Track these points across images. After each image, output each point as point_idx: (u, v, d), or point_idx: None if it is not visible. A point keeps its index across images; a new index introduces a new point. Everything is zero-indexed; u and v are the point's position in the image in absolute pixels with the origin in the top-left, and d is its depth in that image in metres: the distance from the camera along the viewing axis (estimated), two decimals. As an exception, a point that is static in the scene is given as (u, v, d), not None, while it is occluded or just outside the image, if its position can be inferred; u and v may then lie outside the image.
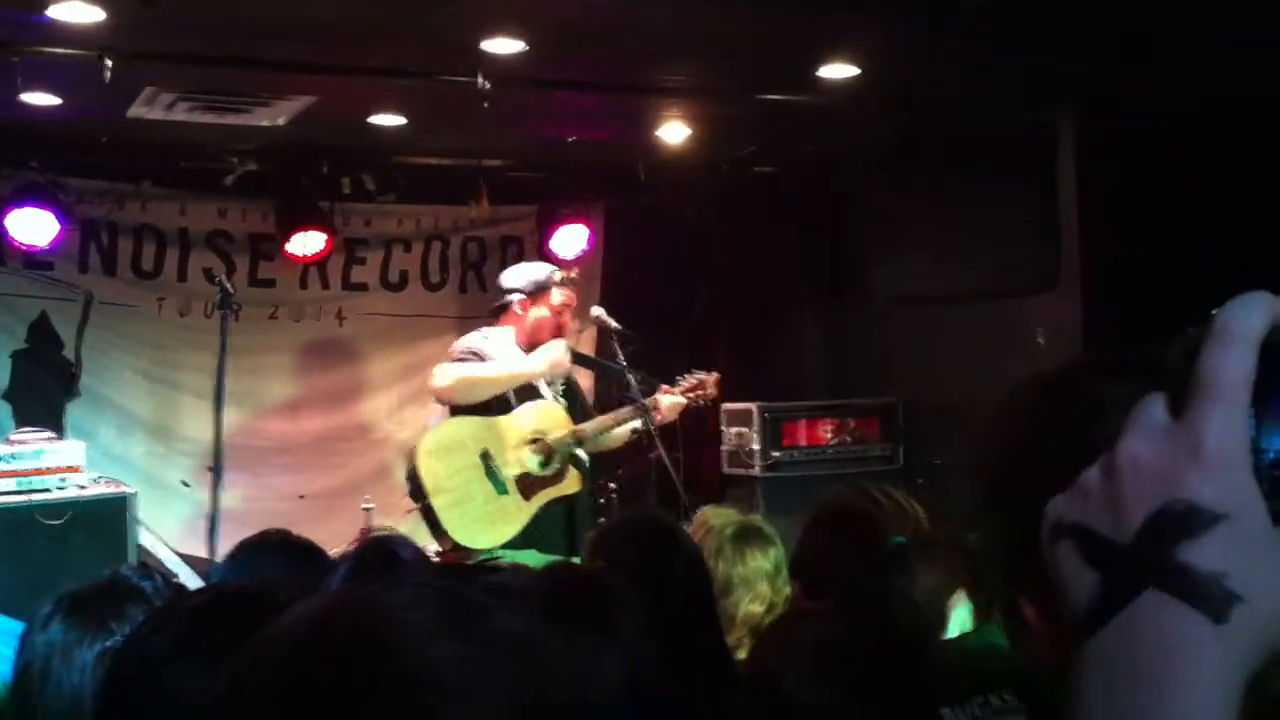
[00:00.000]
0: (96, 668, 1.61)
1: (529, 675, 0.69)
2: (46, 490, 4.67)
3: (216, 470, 4.74)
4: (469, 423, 4.60)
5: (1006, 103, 4.96)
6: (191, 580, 4.65)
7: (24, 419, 5.41)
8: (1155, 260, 4.37)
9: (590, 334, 5.99)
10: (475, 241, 6.58)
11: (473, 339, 4.79)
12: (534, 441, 4.64)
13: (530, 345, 4.77)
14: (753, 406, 5.83)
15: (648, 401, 4.71)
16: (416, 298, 6.48)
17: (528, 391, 4.72)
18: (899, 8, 4.00)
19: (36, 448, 4.75)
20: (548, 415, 4.69)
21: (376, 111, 5.15)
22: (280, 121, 5.17)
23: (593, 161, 6.19)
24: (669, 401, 4.77)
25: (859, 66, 4.60)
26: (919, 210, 5.73)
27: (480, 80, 4.50)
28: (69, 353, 5.77)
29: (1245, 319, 0.61)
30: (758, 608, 2.79)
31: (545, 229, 6.32)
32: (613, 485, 5.22)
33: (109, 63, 4.11)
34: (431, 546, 4.46)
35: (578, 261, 5.88)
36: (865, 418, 6.04)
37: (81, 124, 5.16)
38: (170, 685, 1.11)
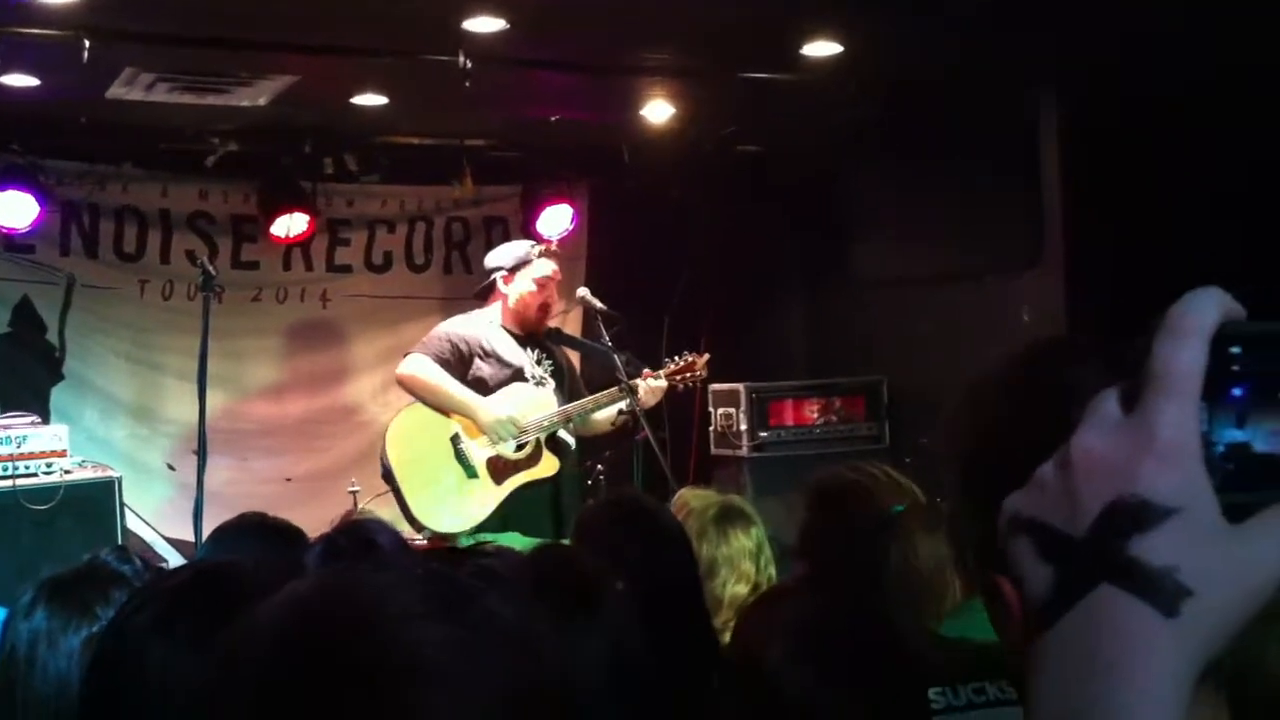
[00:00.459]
0: (83, 653, 1.61)
1: (516, 659, 0.69)
2: (32, 475, 4.65)
3: (200, 453, 4.72)
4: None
5: (990, 81, 4.96)
6: (178, 564, 4.65)
7: (8, 403, 5.37)
8: (1139, 238, 4.39)
9: (576, 315, 5.99)
10: (459, 222, 6.55)
11: (455, 324, 4.76)
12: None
13: (517, 321, 4.75)
14: (740, 387, 5.84)
15: (630, 385, 4.68)
16: (401, 279, 6.46)
17: (511, 375, 4.71)
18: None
19: (21, 432, 4.73)
20: (524, 399, 4.67)
21: (358, 91, 5.12)
22: (261, 102, 5.13)
23: (576, 141, 6.17)
24: (651, 385, 4.73)
25: (842, 44, 4.59)
26: (902, 190, 5.73)
27: (462, 59, 4.47)
28: (52, 336, 5.74)
29: (1196, 314, 0.61)
30: (743, 588, 2.80)
31: (529, 209, 6.30)
32: (600, 467, 5.23)
33: (87, 43, 4.07)
34: (418, 532, 4.47)
35: (562, 242, 5.86)
36: (851, 397, 6.05)
37: (61, 105, 5.11)
38: (153, 666, 1.11)
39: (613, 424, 4.89)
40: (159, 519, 5.61)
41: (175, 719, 0.71)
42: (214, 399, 5.38)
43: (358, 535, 2.07)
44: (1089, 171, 4.72)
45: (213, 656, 0.70)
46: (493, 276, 4.81)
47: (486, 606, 0.71)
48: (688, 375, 4.91)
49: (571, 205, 6.30)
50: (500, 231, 6.47)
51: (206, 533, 4.48)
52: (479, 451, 4.58)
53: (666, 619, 1.90)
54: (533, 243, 4.97)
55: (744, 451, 5.84)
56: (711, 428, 6.03)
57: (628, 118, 5.49)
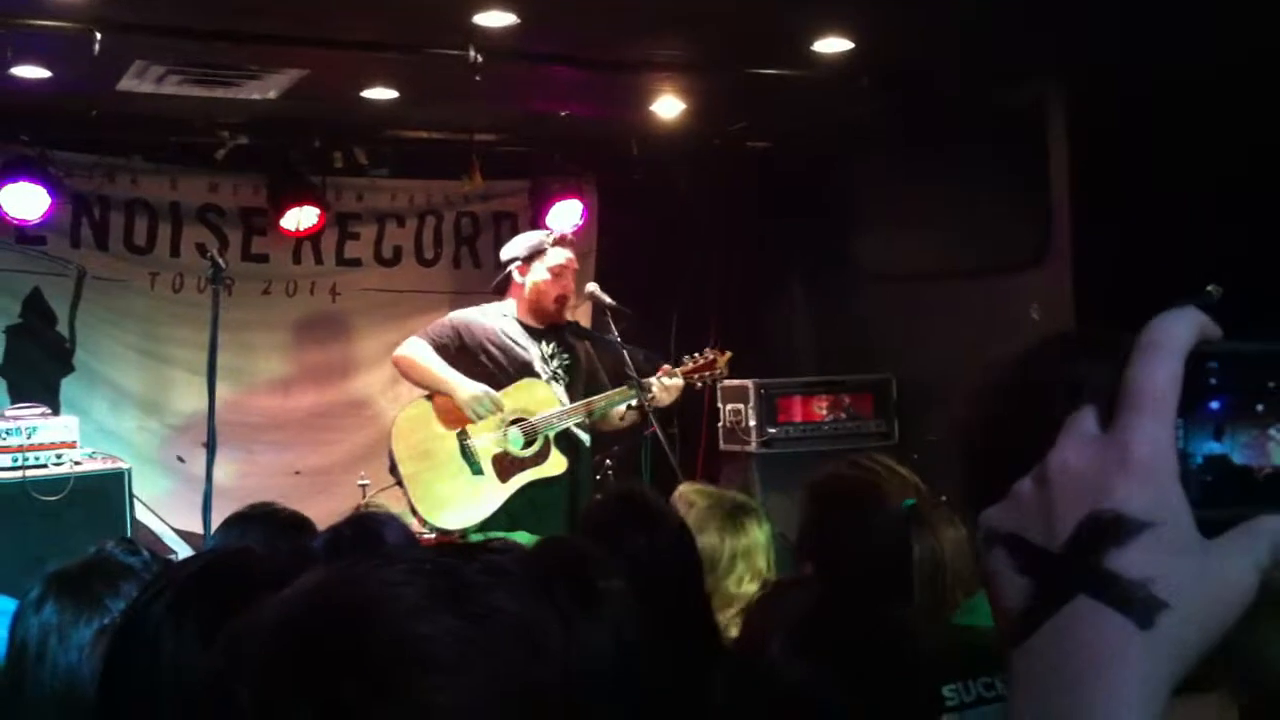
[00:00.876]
0: (94, 646, 1.62)
1: (520, 653, 0.69)
2: (42, 466, 4.66)
3: (209, 446, 4.73)
4: (448, 400, 4.58)
5: (998, 77, 4.94)
6: (187, 555, 4.66)
7: (19, 395, 5.40)
8: (1147, 233, 4.37)
9: (585, 310, 5.98)
10: (469, 216, 6.56)
11: (466, 313, 4.73)
12: (517, 421, 4.57)
13: (534, 312, 4.69)
14: (749, 383, 5.83)
15: (643, 383, 4.61)
16: (410, 273, 6.46)
17: (521, 368, 4.67)
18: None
19: (31, 423, 4.74)
20: (534, 394, 4.61)
21: (368, 85, 5.13)
22: (271, 95, 5.14)
23: (586, 136, 6.16)
24: (667, 383, 4.63)
25: (852, 40, 4.58)
26: (911, 185, 5.72)
27: (471, 53, 4.47)
28: (63, 328, 5.76)
29: (1171, 332, 0.62)
30: (755, 588, 2.79)
31: (539, 204, 6.30)
32: (609, 462, 5.21)
33: (98, 35, 4.08)
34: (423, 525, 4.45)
35: (572, 236, 5.85)
36: (860, 394, 6.04)
37: (71, 97, 5.12)
38: (167, 656, 1.11)
39: (621, 419, 4.85)
40: (168, 511, 5.63)
41: (186, 709, 0.71)
42: (223, 392, 5.39)
43: (364, 528, 2.07)
44: (1097, 166, 4.70)
45: (219, 647, 0.70)
46: (509, 268, 4.75)
47: (493, 601, 0.71)
48: (707, 374, 4.82)
49: (581, 200, 6.30)
50: (509, 226, 6.47)
51: (215, 525, 4.50)
52: (485, 448, 4.53)
53: (669, 612, 1.90)
54: (547, 232, 4.93)
55: (752, 447, 5.83)
56: (720, 423, 6.02)
57: (637, 113, 5.49)
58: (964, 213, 5.45)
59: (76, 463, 4.74)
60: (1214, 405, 0.62)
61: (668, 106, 5.39)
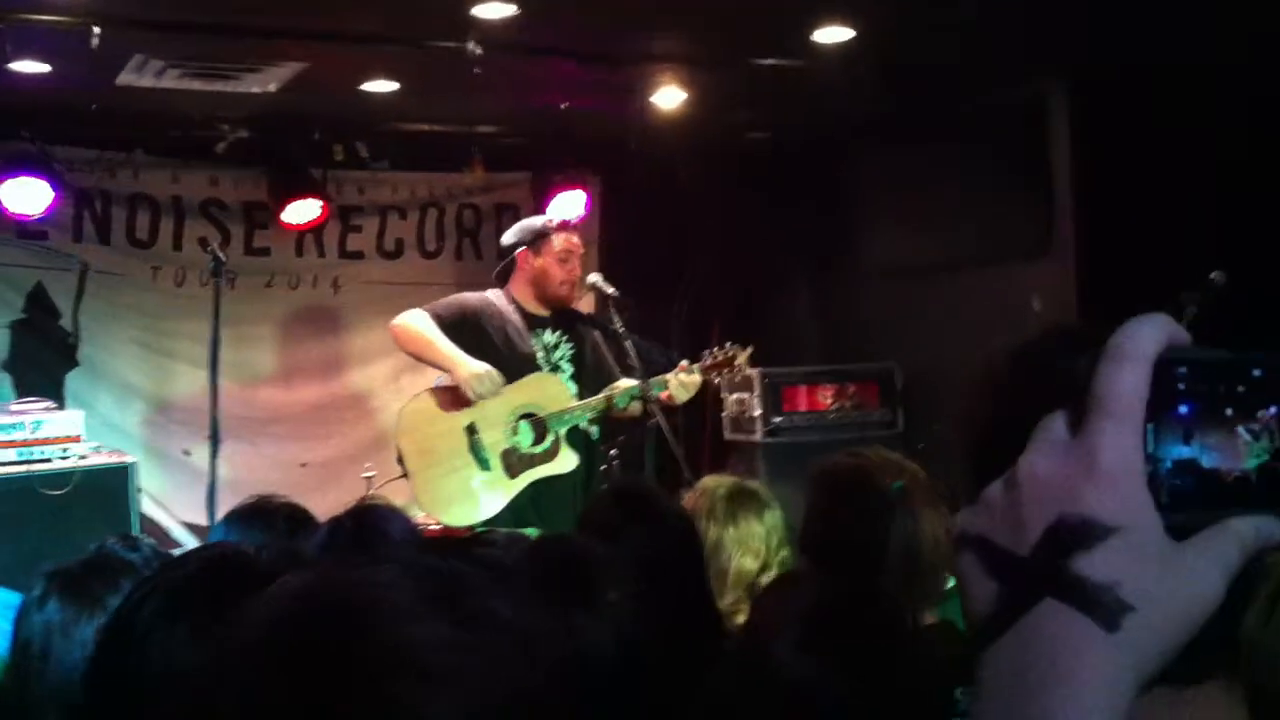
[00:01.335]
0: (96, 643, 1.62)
1: (513, 657, 0.69)
2: (47, 461, 4.67)
3: (213, 439, 4.73)
4: (454, 391, 4.44)
5: (1000, 67, 4.92)
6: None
7: (24, 389, 5.41)
8: (1150, 225, 4.35)
9: (588, 301, 5.97)
10: (471, 209, 6.55)
11: (471, 295, 4.61)
12: (527, 416, 4.47)
13: (540, 298, 4.58)
14: (754, 373, 5.81)
15: (662, 379, 4.49)
16: (413, 266, 6.46)
17: (525, 357, 4.58)
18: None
19: (36, 418, 4.74)
20: (545, 389, 4.51)
21: (368, 78, 5.11)
22: (271, 88, 5.13)
23: (587, 128, 6.15)
24: (685, 380, 4.49)
25: (854, 29, 4.56)
26: (913, 177, 5.70)
27: (471, 45, 4.45)
28: (66, 322, 5.77)
29: (1140, 339, 0.63)
30: (750, 563, 2.79)
31: (540, 195, 6.28)
32: (614, 453, 5.13)
33: (96, 30, 4.07)
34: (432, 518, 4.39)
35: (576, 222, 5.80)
36: (865, 383, 6.03)
37: (71, 92, 5.12)
38: (157, 657, 1.11)
39: (626, 408, 4.75)
40: (174, 504, 5.64)
41: (175, 711, 0.71)
42: (227, 385, 5.39)
43: (365, 521, 2.07)
44: (1100, 157, 4.68)
45: (203, 654, 0.70)
46: (512, 255, 4.65)
47: (484, 603, 0.70)
48: (726, 370, 4.68)
49: (583, 191, 6.29)
50: (511, 217, 6.43)
51: (220, 517, 4.50)
52: (494, 443, 4.40)
53: (670, 604, 1.90)
54: (549, 217, 4.86)
55: (757, 437, 5.82)
56: (725, 413, 6.01)
57: (638, 104, 5.47)
58: (967, 203, 5.44)
59: (81, 457, 4.74)
60: (1183, 410, 0.63)
61: (668, 98, 5.37)
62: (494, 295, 4.64)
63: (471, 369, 4.36)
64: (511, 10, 4.22)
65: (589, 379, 4.65)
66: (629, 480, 3.98)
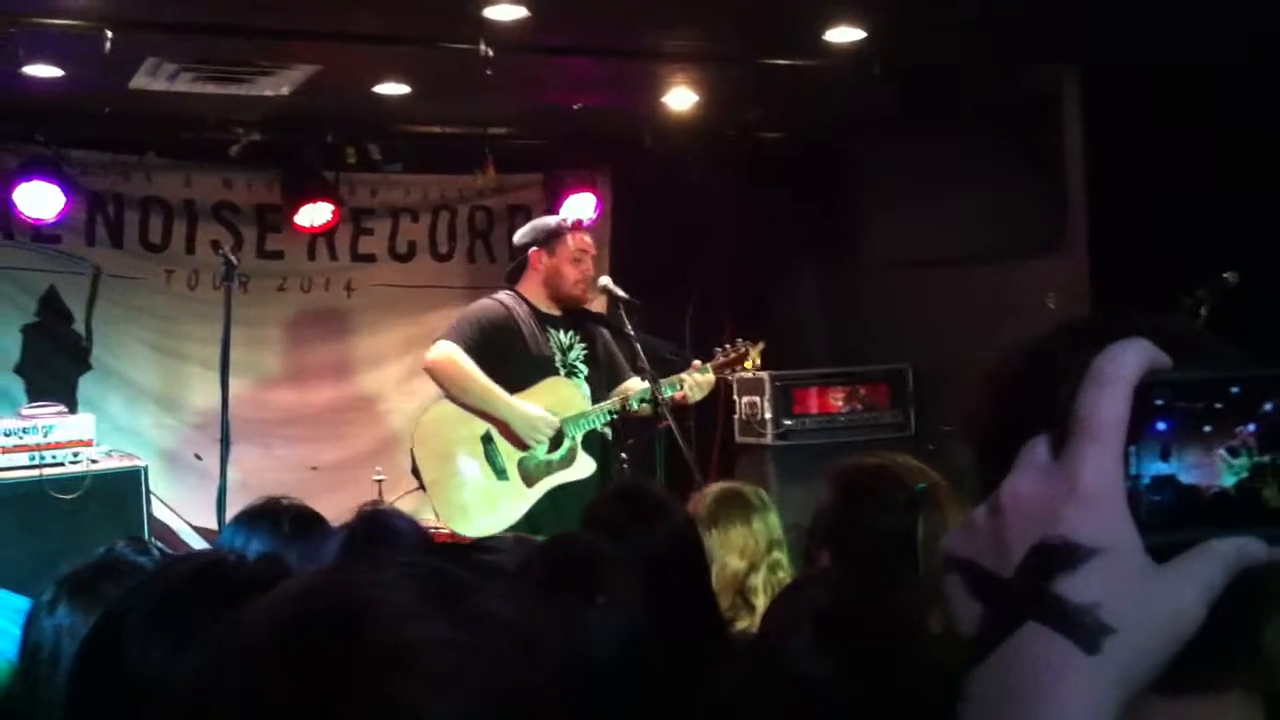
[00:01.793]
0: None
1: (513, 658, 0.68)
2: (59, 464, 4.68)
3: (223, 442, 4.73)
4: None
5: (1011, 63, 4.90)
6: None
7: (36, 393, 5.43)
8: (1163, 220, 4.32)
9: (599, 304, 5.96)
10: (483, 211, 6.55)
11: (486, 309, 4.48)
12: None
13: (552, 297, 4.53)
14: (764, 375, 5.79)
15: (677, 379, 4.47)
16: (425, 268, 6.46)
17: (542, 360, 4.50)
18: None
19: (48, 422, 4.76)
20: (559, 394, 4.44)
21: (380, 80, 5.12)
22: (284, 91, 5.14)
23: (599, 129, 6.15)
24: (698, 379, 4.47)
25: (865, 29, 4.54)
26: (925, 174, 5.68)
27: (483, 47, 4.45)
28: (79, 326, 5.78)
29: (1121, 364, 0.64)
30: (736, 561, 2.78)
31: (552, 197, 6.28)
32: (623, 455, 5.11)
33: (109, 34, 4.08)
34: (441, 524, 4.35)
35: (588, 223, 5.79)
36: (875, 384, 6.01)
37: (84, 96, 5.14)
38: (142, 665, 1.10)
39: (639, 409, 4.72)
40: (186, 507, 5.64)
41: (172, 712, 0.70)
42: (239, 388, 5.41)
43: (377, 524, 2.06)
44: (1112, 154, 4.66)
45: (201, 656, 0.69)
46: (525, 254, 4.60)
47: (485, 605, 0.69)
48: (739, 367, 4.66)
49: (595, 193, 6.29)
50: (523, 219, 6.41)
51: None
52: (510, 452, 4.34)
53: (672, 603, 1.89)
54: (562, 216, 4.83)
55: (768, 440, 5.81)
56: (735, 416, 6.00)
57: (649, 105, 5.46)
58: (979, 201, 5.42)
59: (93, 461, 4.75)
60: (1161, 426, 0.63)
61: (680, 98, 5.36)
62: (507, 297, 4.58)
63: (526, 417, 4.32)
64: (522, 12, 4.22)
65: (603, 378, 4.62)
66: (633, 480, 3.95)
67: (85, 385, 5.74)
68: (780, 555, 2.85)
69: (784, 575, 2.84)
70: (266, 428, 5.97)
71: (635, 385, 4.58)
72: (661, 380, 4.46)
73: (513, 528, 4.25)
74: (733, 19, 4.47)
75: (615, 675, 1.43)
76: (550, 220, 4.78)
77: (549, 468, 4.41)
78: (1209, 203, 4.27)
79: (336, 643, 0.65)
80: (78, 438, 4.76)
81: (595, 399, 4.56)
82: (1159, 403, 0.63)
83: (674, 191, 6.32)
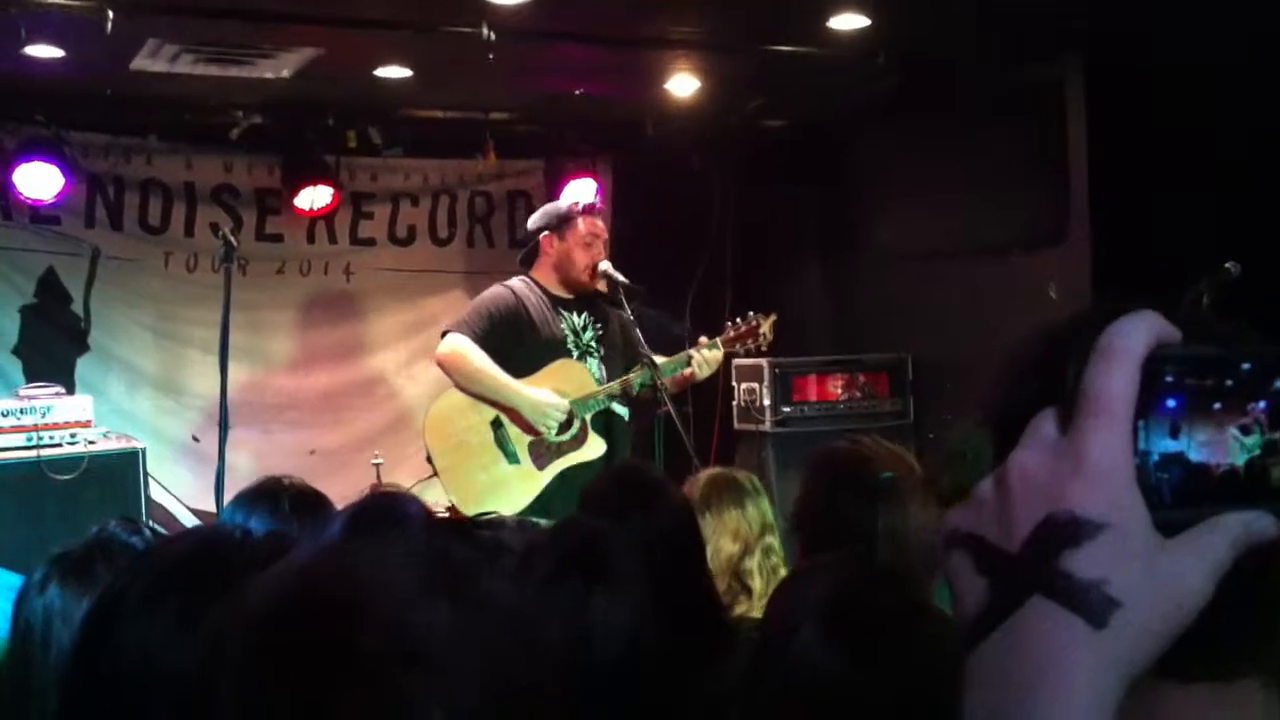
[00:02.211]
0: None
1: (511, 642, 0.68)
2: (57, 445, 4.67)
3: (222, 425, 4.73)
4: None
5: (1014, 54, 4.88)
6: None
7: (34, 374, 5.42)
8: (1165, 212, 4.32)
9: (600, 288, 5.95)
10: (483, 196, 6.54)
11: (495, 298, 4.49)
12: None
13: (564, 283, 4.53)
14: (763, 362, 5.78)
15: (684, 355, 4.48)
16: (424, 252, 6.45)
17: (555, 344, 4.49)
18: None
19: (46, 403, 4.75)
20: (569, 375, 4.46)
21: (381, 64, 5.10)
22: (285, 74, 5.12)
23: (600, 116, 6.13)
24: (707, 355, 4.46)
25: (869, 17, 4.53)
26: (927, 164, 5.67)
27: (485, 32, 4.44)
28: (77, 308, 5.77)
29: (1128, 337, 0.63)
30: (729, 544, 2.78)
31: (553, 183, 6.27)
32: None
33: (110, 14, 4.06)
34: (443, 502, 4.36)
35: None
36: (875, 373, 6.01)
37: (85, 77, 5.12)
38: (141, 645, 1.09)
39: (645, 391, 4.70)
40: (184, 490, 5.64)
41: (162, 699, 0.70)
42: (238, 371, 5.40)
43: (384, 505, 2.05)
44: (1115, 144, 4.64)
45: (199, 636, 0.68)
46: (536, 238, 4.60)
47: (486, 587, 0.69)
48: (750, 341, 4.63)
49: (595, 179, 6.27)
50: (524, 205, 6.45)
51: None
52: (520, 435, 4.37)
53: (670, 590, 1.89)
54: (573, 200, 4.82)
55: (767, 427, 5.80)
56: (734, 403, 6.00)
57: (652, 91, 5.45)
58: (981, 191, 5.40)
59: (91, 442, 4.75)
60: (1170, 403, 0.63)
61: (682, 85, 5.34)
62: (518, 283, 4.58)
63: (536, 401, 4.34)
64: (524, -4, 4.21)
65: (618, 359, 4.61)
66: (629, 462, 3.94)
67: (83, 367, 5.74)
68: (772, 540, 2.85)
69: (776, 560, 2.85)
70: (266, 411, 5.97)
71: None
72: (670, 358, 4.47)
73: (525, 510, 4.27)
74: (736, 5, 4.45)
75: (618, 662, 1.43)
76: (561, 205, 4.76)
77: (559, 449, 4.42)
78: (1211, 196, 4.26)
79: (335, 627, 0.65)
80: (76, 418, 4.75)
81: (612, 379, 4.55)
82: (1168, 379, 0.62)
83: (675, 179, 6.30)
